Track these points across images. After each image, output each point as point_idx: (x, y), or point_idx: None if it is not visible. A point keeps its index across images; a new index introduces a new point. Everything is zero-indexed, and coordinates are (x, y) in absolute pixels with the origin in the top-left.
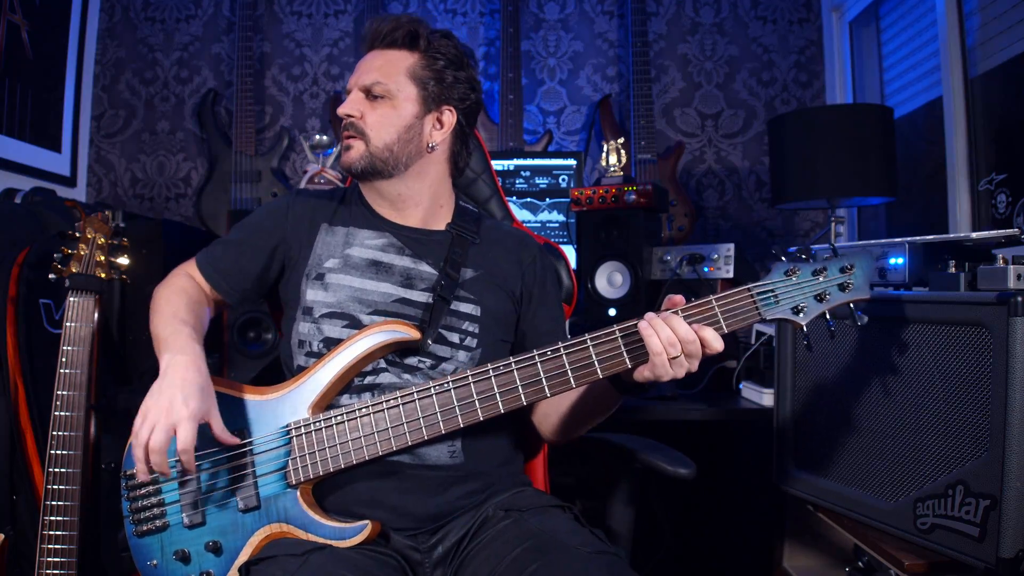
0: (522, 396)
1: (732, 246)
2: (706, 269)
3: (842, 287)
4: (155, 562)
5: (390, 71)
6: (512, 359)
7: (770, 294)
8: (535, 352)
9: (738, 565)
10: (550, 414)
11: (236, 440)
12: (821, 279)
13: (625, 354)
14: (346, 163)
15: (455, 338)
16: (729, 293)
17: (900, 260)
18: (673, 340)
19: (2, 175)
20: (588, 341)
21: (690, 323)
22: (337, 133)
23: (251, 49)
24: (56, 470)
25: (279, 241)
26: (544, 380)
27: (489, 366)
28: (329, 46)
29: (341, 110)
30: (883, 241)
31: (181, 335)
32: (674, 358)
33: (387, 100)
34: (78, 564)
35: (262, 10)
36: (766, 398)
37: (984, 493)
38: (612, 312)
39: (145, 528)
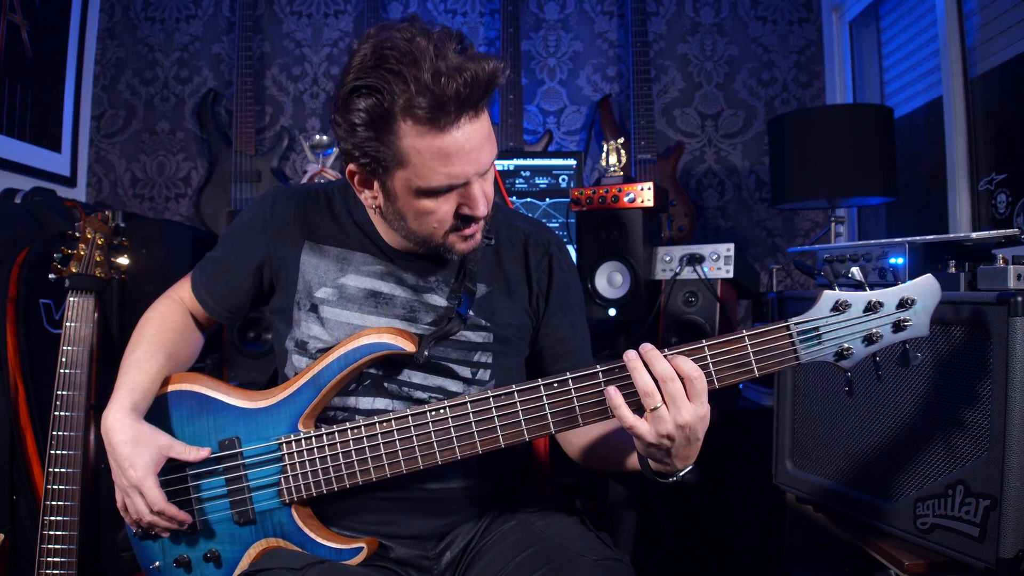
0: (525, 432)
1: (732, 246)
2: (706, 269)
3: (897, 326)
4: (158, 564)
5: (492, 138)
6: (515, 387)
7: (813, 333)
8: (540, 382)
9: (738, 565)
10: (573, 441)
11: (206, 452)
12: (874, 316)
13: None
14: (470, 249)
15: (467, 372)
16: (764, 329)
17: (900, 260)
18: (664, 375)
19: (2, 175)
20: (601, 375)
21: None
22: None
23: (251, 49)
24: (56, 470)
25: (263, 260)
26: (550, 417)
27: (490, 393)
28: (329, 46)
29: (482, 212)
30: (883, 241)
31: (124, 386)
32: (654, 409)
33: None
34: (78, 564)
35: (262, 10)
36: (766, 398)
37: (984, 493)
38: (612, 312)
39: (144, 533)
